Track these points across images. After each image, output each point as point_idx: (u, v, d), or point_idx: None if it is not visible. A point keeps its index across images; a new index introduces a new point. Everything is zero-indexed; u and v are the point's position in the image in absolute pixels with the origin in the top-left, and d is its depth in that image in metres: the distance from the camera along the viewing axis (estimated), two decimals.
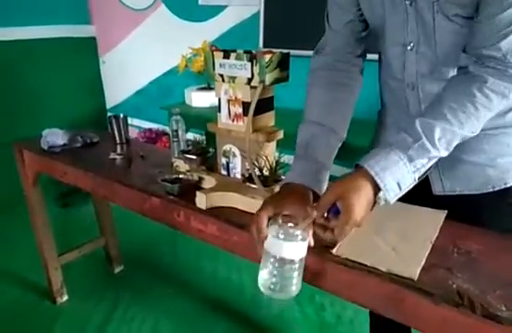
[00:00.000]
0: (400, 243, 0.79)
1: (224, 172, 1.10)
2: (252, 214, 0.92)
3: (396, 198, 0.71)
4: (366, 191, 0.69)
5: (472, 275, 0.70)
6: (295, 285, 0.73)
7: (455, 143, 0.73)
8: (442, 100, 0.74)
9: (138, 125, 2.96)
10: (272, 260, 0.71)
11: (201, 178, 1.08)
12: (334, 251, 0.77)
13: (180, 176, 1.10)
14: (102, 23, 2.89)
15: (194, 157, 1.12)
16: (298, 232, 0.71)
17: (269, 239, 0.72)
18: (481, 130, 0.76)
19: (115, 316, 1.75)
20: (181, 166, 1.15)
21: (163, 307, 1.80)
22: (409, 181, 0.71)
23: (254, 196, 0.94)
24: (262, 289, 0.74)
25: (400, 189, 0.71)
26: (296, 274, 0.72)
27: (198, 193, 0.97)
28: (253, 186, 0.94)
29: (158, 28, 2.59)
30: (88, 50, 2.95)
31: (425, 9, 0.76)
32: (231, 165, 1.07)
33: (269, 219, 0.75)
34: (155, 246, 2.26)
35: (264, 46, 2.09)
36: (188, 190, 1.04)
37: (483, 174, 0.88)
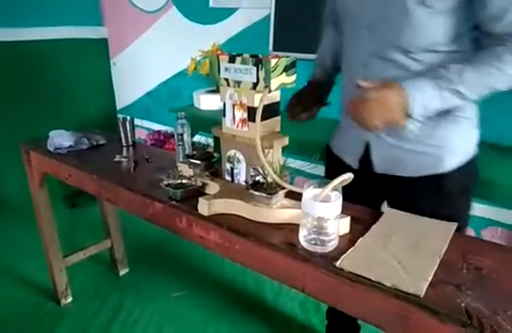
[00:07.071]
0: (407, 257, 0.76)
1: (228, 178, 1.08)
2: (255, 222, 0.92)
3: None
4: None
5: (482, 293, 0.67)
6: (333, 239, 0.80)
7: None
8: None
9: (147, 126, 2.97)
10: (309, 219, 0.78)
11: (204, 184, 1.07)
12: (337, 263, 0.75)
13: (184, 181, 1.08)
14: (113, 25, 2.89)
15: (198, 162, 1.10)
16: (331, 193, 0.77)
17: (305, 200, 0.78)
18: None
19: (118, 319, 1.74)
20: (185, 170, 1.13)
21: (167, 311, 1.79)
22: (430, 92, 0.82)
23: (257, 204, 0.92)
24: (304, 244, 0.81)
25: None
26: (333, 230, 0.79)
27: (200, 200, 0.95)
28: (256, 193, 0.91)
29: (169, 30, 2.59)
30: (99, 51, 2.95)
31: None
32: (235, 170, 1.05)
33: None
34: (161, 249, 2.26)
35: (274, 49, 2.07)
36: (192, 195, 1.02)
37: (418, 160, 0.98)
